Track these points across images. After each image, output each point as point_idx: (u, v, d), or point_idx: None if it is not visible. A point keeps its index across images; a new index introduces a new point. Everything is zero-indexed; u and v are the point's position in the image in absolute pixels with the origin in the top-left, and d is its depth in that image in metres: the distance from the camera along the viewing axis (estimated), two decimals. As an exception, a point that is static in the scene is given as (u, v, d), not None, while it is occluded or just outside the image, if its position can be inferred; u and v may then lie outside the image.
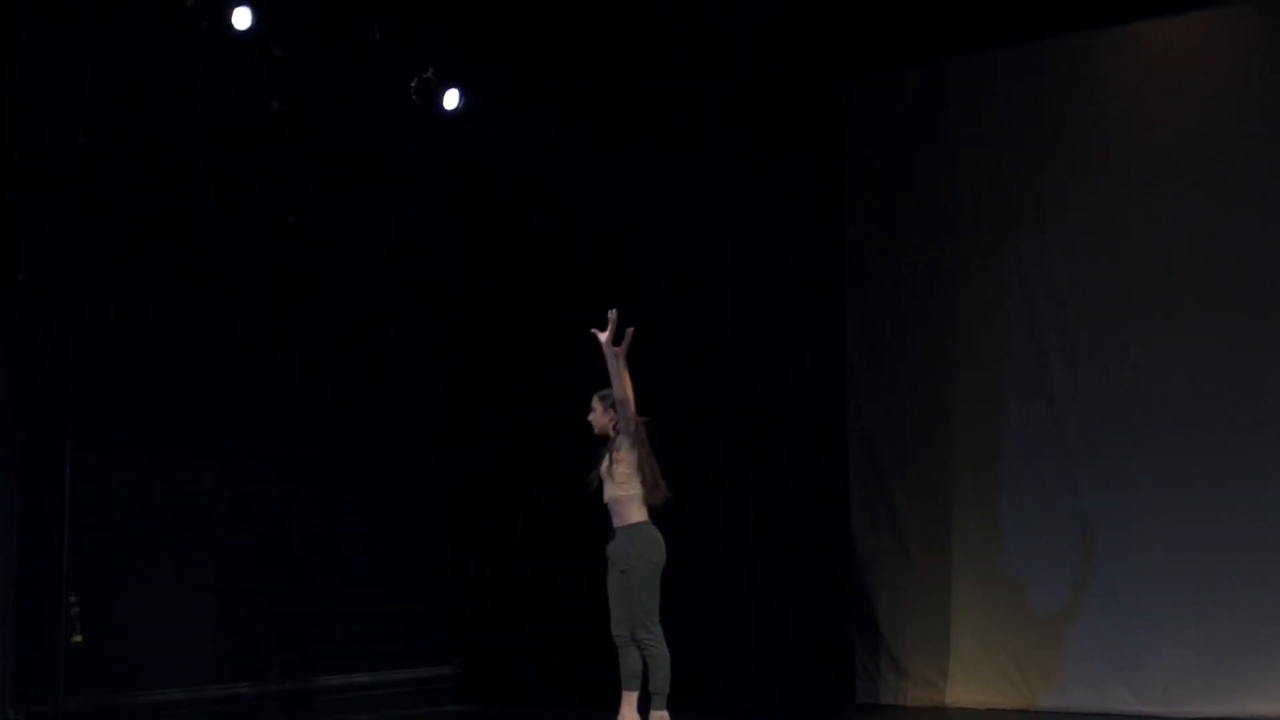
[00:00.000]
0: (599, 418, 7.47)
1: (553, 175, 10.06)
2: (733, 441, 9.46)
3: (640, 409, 7.34)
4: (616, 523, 7.40)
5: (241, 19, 8.24)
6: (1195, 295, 8.68)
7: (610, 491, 7.40)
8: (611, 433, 7.42)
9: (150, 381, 8.34)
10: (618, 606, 7.40)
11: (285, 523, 9.10)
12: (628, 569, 7.32)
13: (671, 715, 7.23)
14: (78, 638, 7.60)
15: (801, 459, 9.06)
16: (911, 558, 9.43)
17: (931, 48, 9.47)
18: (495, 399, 10.31)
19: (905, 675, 9.33)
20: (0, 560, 7.57)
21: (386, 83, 9.16)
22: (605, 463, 7.44)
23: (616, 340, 7.23)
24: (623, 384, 7.24)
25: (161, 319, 8.42)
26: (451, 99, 9.31)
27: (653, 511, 7.38)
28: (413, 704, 9.68)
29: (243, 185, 8.78)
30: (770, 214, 9.41)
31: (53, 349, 7.82)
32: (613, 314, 7.23)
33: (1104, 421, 8.87)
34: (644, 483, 7.31)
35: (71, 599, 7.61)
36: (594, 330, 7.29)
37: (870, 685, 9.40)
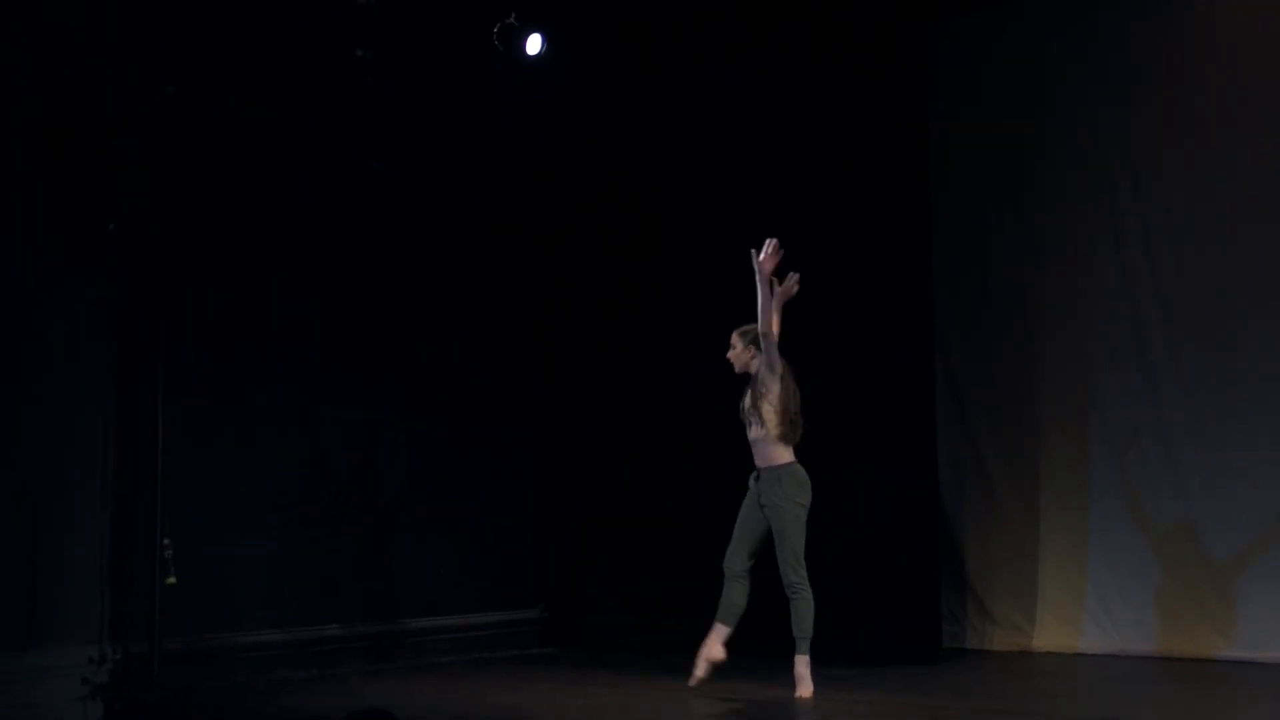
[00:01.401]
0: (739, 354, 7.27)
1: (636, 127, 9.97)
2: (819, 394, 9.38)
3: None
4: (760, 463, 7.19)
5: (326, -34, 8.26)
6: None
7: (754, 432, 7.20)
8: (753, 370, 7.22)
9: (239, 327, 8.43)
10: (741, 539, 7.24)
11: (373, 466, 9.20)
12: (773, 511, 7.12)
13: (761, 659, 7.20)
14: (171, 580, 7.70)
15: (888, 405, 8.97)
16: (999, 505, 9.37)
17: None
18: (584, 342, 10.30)
19: (992, 620, 9.30)
20: (96, 503, 7.71)
21: (470, 28, 9.14)
22: (748, 400, 7.23)
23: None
24: (771, 316, 7.03)
25: (249, 265, 8.49)
26: (534, 44, 9.27)
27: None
28: (498, 647, 9.75)
29: (329, 133, 8.81)
30: (853, 167, 9.22)
31: (143, 296, 7.91)
32: (772, 242, 7.02)
33: (1199, 378, 8.68)
34: (783, 420, 7.12)
35: (165, 541, 7.72)
36: (753, 250, 7.06)
37: (956, 629, 9.37)
